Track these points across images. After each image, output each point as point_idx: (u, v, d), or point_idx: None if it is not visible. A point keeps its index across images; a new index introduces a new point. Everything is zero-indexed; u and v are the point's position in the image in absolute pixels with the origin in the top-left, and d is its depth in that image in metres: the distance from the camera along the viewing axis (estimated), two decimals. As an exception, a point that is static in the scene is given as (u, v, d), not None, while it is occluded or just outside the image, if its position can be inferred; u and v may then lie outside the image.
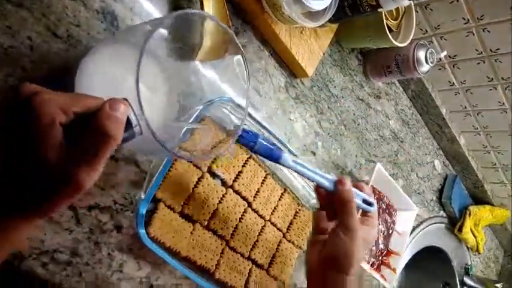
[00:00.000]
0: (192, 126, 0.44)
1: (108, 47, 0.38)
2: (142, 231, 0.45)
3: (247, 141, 0.54)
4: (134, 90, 0.27)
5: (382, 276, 0.78)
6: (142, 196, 0.44)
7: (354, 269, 0.49)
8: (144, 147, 0.34)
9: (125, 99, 0.29)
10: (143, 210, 0.45)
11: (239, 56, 0.39)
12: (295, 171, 0.54)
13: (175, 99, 0.49)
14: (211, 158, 0.55)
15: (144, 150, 0.43)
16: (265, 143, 0.52)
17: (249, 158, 0.61)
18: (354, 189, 0.54)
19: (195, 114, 0.47)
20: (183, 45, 0.49)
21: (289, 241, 0.66)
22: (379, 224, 0.78)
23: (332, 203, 0.52)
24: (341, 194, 0.51)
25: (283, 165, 0.54)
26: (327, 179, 0.52)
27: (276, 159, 0.54)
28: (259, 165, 0.63)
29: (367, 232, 0.52)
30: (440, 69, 0.86)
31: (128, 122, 0.29)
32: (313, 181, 0.53)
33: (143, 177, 0.49)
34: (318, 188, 0.54)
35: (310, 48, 0.67)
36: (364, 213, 0.56)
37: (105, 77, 0.30)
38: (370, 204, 0.56)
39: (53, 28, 0.42)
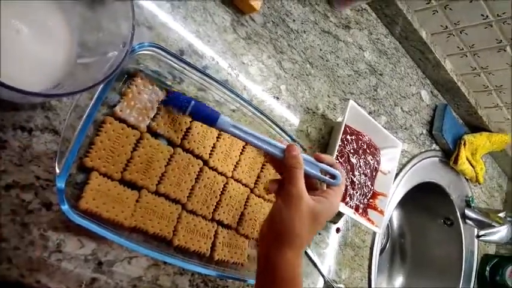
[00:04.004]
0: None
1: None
2: (64, 207, 0.39)
3: (176, 103, 0.49)
4: None
5: (369, 220, 0.73)
6: (57, 170, 0.38)
7: (294, 244, 0.43)
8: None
9: None
10: (61, 185, 0.39)
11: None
12: (236, 136, 0.48)
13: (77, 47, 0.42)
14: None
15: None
16: (199, 105, 0.48)
17: (198, 111, 0.55)
18: (311, 159, 0.49)
19: (109, 64, 0.40)
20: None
21: (258, 196, 0.61)
22: (359, 167, 0.72)
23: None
24: (285, 160, 0.46)
25: (221, 130, 0.49)
26: (274, 147, 0.48)
27: (212, 122, 0.48)
28: (212, 117, 0.56)
29: (319, 206, 0.45)
30: (413, -15, 0.76)
31: None
32: (259, 148, 0.48)
33: (66, 145, 0.43)
34: (267, 155, 0.50)
35: (253, -23, 0.58)
36: (329, 186, 0.50)
37: None
38: (334, 176, 0.50)
39: None
